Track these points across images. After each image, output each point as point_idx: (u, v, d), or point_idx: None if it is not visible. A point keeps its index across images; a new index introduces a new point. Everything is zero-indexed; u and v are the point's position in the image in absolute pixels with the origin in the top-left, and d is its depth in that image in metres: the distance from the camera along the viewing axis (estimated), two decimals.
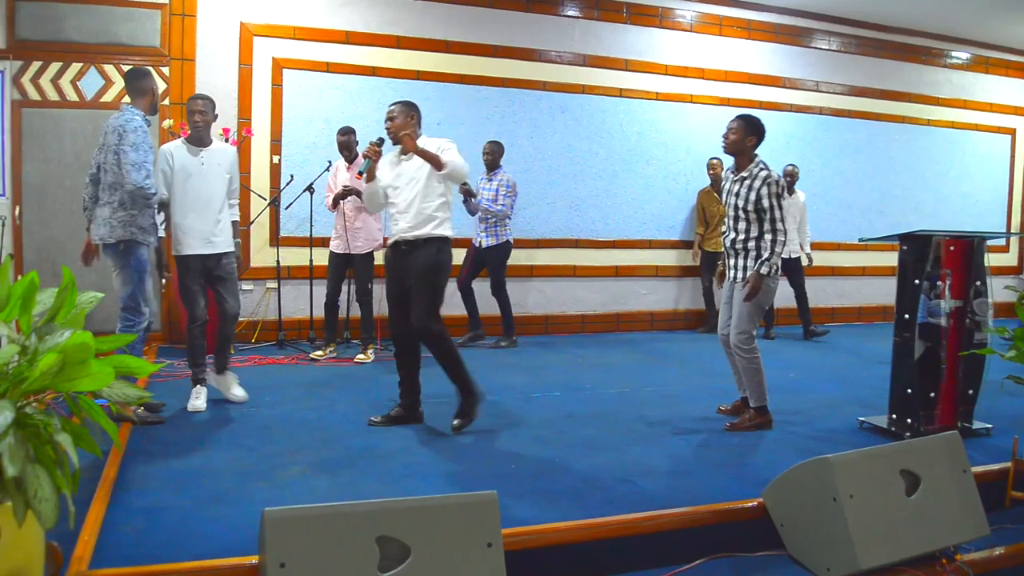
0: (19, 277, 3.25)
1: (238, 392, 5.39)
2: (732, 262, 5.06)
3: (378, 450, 4.41)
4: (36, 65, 6.94)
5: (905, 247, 4.98)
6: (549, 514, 3.49)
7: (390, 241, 4.91)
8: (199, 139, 5.17)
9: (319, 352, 7.00)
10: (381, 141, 4.75)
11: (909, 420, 4.83)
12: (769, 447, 4.68)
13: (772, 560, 3.40)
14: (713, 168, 8.70)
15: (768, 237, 4.87)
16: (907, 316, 4.87)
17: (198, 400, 5.19)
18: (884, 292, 9.89)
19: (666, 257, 9.26)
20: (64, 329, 2.53)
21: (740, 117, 5.05)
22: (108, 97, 7.12)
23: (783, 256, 8.25)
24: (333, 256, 7.03)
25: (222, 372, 5.39)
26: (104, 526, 3.22)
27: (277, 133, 7.63)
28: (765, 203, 4.86)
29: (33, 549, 2.40)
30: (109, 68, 7.12)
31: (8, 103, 6.88)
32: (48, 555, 2.52)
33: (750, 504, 3.58)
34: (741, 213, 4.95)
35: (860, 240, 8.03)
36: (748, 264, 4.94)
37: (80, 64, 7.05)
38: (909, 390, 4.84)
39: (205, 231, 5.13)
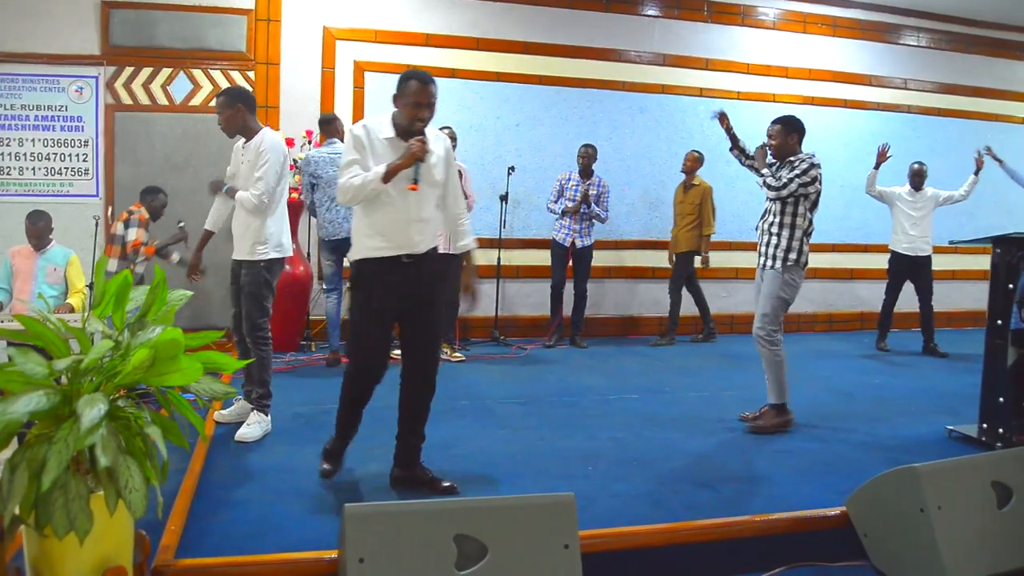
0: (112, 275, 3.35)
1: (243, 431, 4.60)
2: (762, 249, 5.13)
3: (456, 449, 4.44)
4: (128, 70, 7.19)
5: (998, 250, 4.81)
6: (627, 517, 3.47)
7: (379, 253, 3.72)
8: (240, 135, 4.76)
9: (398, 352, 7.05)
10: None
11: (1001, 430, 4.66)
12: (853, 455, 4.56)
13: (854, 571, 3.31)
14: (685, 162, 8.25)
15: (785, 232, 5.00)
16: (999, 322, 4.71)
17: (226, 409, 4.96)
18: (975, 297, 9.57)
19: (747, 259, 9.08)
20: (155, 325, 2.60)
21: (776, 121, 5.16)
22: (196, 101, 7.32)
23: (909, 253, 8.05)
24: None
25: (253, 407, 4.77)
26: (190, 517, 3.31)
27: None
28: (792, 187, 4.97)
29: (123, 537, 2.47)
30: (197, 73, 7.32)
31: (102, 107, 7.14)
32: (137, 543, 2.60)
33: (832, 512, 3.49)
34: (771, 201, 5.08)
35: (950, 243, 7.75)
36: (772, 252, 5.03)
37: (170, 69, 7.27)
38: (1001, 398, 4.67)
39: (234, 234, 4.79)
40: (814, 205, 5.05)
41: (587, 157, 7.78)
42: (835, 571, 3.32)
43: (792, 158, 5.07)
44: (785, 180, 4.95)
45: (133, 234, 5.99)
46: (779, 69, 9.19)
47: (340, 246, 6.54)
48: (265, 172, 4.56)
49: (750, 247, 8.85)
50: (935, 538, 2.98)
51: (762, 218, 5.23)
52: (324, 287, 6.88)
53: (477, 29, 8.10)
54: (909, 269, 8.16)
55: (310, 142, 7.41)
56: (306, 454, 4.30)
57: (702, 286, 8.48)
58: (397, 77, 3.70)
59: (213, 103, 4.82)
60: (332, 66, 7.70)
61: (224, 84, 7.33)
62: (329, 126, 6.84)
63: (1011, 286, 4.64)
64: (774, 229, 5.06)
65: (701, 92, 8.86)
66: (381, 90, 7.77)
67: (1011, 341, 4.63)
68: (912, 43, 9.77)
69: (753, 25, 9.09)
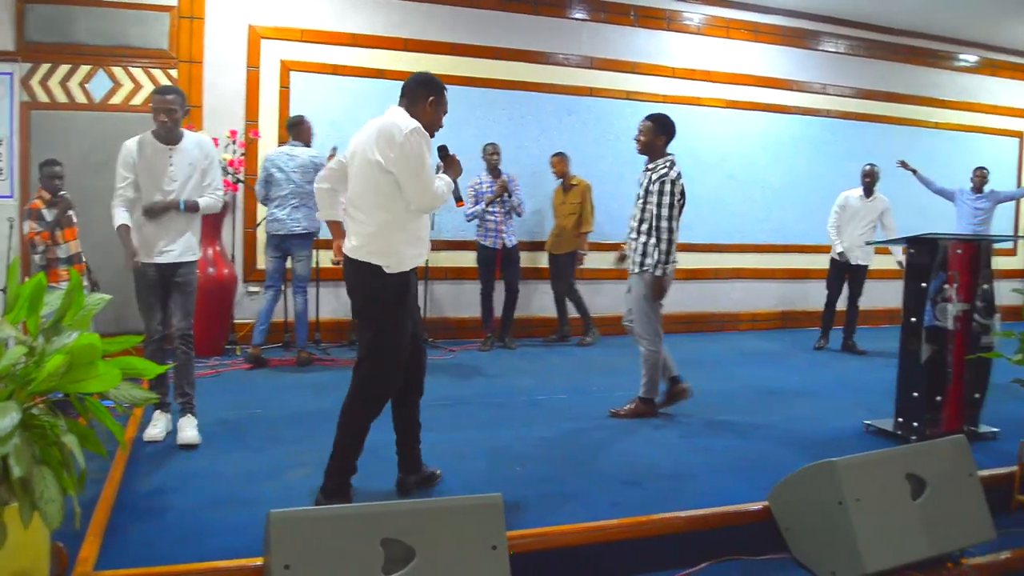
0: (26, 279, 3.26)
1: (190, 434, 4.54)
2: (630, 255, 5.34)
3: (383, 452, 4.39)
4: (45, 67, 6.96)
5: (912, 250, 4.97)
6: (554, 517, 3.49)
7: (417, 262, 3.76)
8: (167, 137, 4.57)
9: None
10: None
11: (915, 424, 4.82)
12: (775, 451, 4.67)
13: (777, 563, 3.40)
14: (554, 167, 8.28)
15: (653, 238, 5.15)
16: (914, 319, 4.86)
17: (155, 429, 4.59)
18: (891, 296, 9.87)
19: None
20: (71, 331, 2.54)
21: (649, 117, 5.29)
22: (116, 99, 7.14)
23: (848, 261, 8.21)
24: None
25: (183, 412, 4.66)
26: (109, 527, 3.23)
27: (285, 135, 7.61)
28: (654, 199, 5.12)
29: (39, 550, 2.41)
30: (118, 70, 7.14)
31: (17, 105, 6.90)
32: (53, 556, 2.54)
33: (755, 507, 3.57)
34: (640, 203, 5.25)
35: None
36: (639, 259, 5.24)
37: (89, 67, 7.06)
38: (915, 393, 4.83)
39: (162, 238, 4.58)
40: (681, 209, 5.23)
41: (497, 155, 7.81)
42: (758, 564, 3.40)
43: (651, 166, 5.23)
44: (665, 217, 5.10)
45: (26, 228, 5.81)
46: (703, 73, 9.36)
47: (284, 242, 6.77)
48: (218, 174, 4.80)
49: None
50: (853, 530, 3.08)
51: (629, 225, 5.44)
52: (265, 283, 6.94)
53: (405, 30, 8.07)
54: (848, 271, 8.32)
55: (234, 142, 7.30)
56: (230, 460, 4.24)
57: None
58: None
59: (171, 98, 4.50)
60: (257, 65, 7.58)
61: (146, 82, 7.17)
62: (295, 129, 6.95)
63: (924, 285, 4.80)
64: (633, 235, 5.29)
65: (628, 95, 8.97)
66: (307, 90, 7.70)
67: (925, 338, 4.79)
68: (831, 49, 10.05)
69: (678, 30, 9.24)
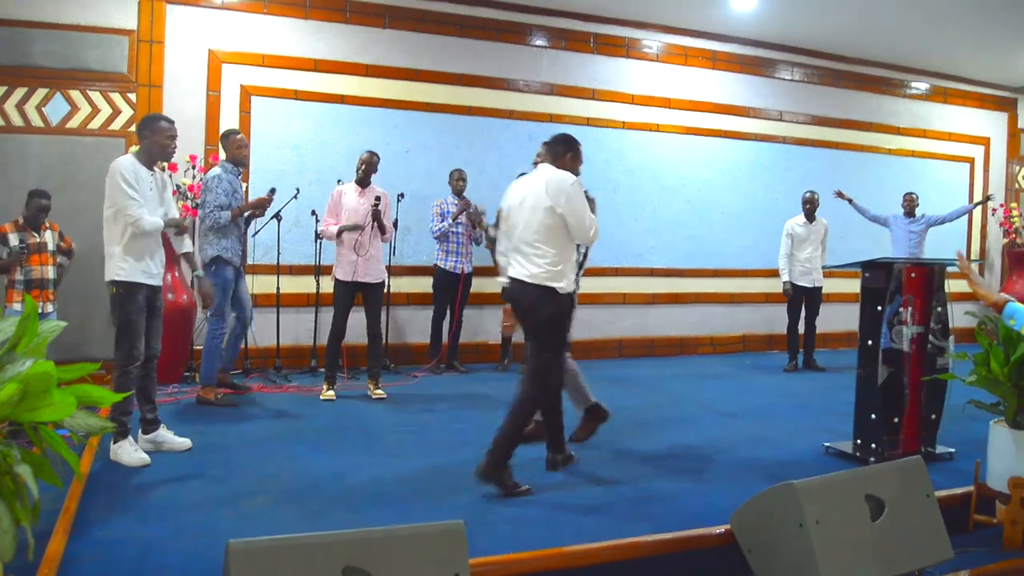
0: None
1: (181, 441, 4.93)
2: None
3: (344, 480, 4.37)
4: (1, 90, 6.86)
5: (868, 274, 5.05)
6: (520, 542, 3.48)
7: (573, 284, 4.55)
8: (149, 163, 4.78)
9: (331, 393, 6.51)
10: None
11: (873, 445, 4.88)
12: (736, 473, 4.70)
13: None
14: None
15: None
16: (870, 342, 4.94)
17: (140, 452, 4.63)
18: (848, 319, 10.00)
19: (632, 285, 9.32)
20: (26, 358, 2.49)
21: (545, 143, 5.06)
22: (74, 123, 7.04)
23: (806, 284, 8.37)
24: (343, 285, 6.57)
25: (155, 429, 4.89)
26: (65, 559, 3.16)
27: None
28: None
29: None
30: (75, 94, 7.05)
31: None
32: None
33: (718, 530, 3.59)
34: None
35: (823, 267, 8.15)
36: None
37: (46, 90, 6.97)
38: (873, 415, 4.89)
39: (155, 261, 4.79)
40: None
41: (463, 181, 7.87)
42: None
43: None
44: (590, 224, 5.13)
45: None
46: (662, 100, 9.47)
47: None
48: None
49: (637, 272, 9.12)
50: (814, 551, 3.10)
51: None
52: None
53: (366, 55, 8.08)
54: (805, 294, 8.55)
55: (194, 167, 7.23)
56: (187, 489, 4.17)
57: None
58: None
59: (168, 127, 4.83)
60: (218, 89, 7.54)
61: (104, 106, 7.10)
62: (222, 141, 6.43)
63: (880, 308, 4.88)
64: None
65: (588, 121, 9.04)
66: (268, 115, 7.67)
67: (881, 360, 4.86)
68: (787, 77, 10.23)
69: (637, 57, 9.35)
